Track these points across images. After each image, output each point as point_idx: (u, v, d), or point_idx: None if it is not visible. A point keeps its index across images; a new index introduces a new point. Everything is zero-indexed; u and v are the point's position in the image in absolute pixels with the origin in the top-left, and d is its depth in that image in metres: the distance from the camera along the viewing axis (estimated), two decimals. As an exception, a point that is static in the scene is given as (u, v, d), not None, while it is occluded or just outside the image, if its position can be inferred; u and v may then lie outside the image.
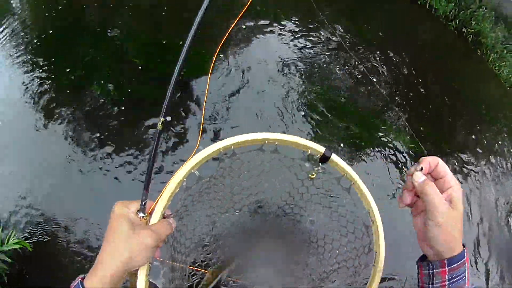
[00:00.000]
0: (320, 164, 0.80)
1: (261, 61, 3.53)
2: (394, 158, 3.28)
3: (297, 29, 3.97)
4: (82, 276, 0.57)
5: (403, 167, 3.25)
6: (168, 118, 2.83)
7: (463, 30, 5.30)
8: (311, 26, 4.06)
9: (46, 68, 3.41)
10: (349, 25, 4.25)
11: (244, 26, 3.74)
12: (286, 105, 3.26)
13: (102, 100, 3.07)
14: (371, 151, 3.24)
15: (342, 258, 0.93)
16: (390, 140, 3.39)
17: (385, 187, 3.04)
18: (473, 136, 4.03)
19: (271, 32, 3.84)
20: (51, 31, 3.84)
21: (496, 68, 5.45)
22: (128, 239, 0.57)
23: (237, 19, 3.63)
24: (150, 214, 0.64)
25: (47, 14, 4.17)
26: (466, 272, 0.57)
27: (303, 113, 3.24)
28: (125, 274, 0.58)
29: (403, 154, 3.34)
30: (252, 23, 3.82)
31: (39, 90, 3.21)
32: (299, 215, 0.97)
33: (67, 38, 3.73)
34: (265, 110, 3.18)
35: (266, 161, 0.83)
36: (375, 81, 3.79)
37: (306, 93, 3.43)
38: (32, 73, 3.38)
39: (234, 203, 0.92)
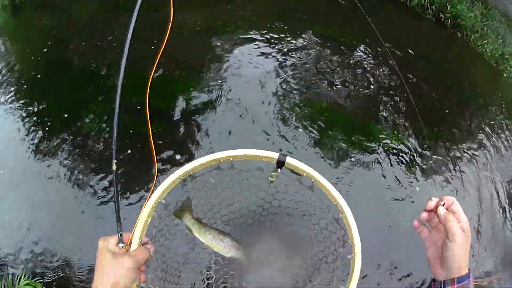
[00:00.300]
0: (279, 169, 0.84)
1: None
2: (402, 155, 3.35)
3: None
4: None
5: (413, 159, 3.35)
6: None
7: (440, 16, 5.39)
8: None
9: (37, 110, 3.54)
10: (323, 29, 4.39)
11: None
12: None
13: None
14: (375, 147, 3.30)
15: (323, 254, 0.96)
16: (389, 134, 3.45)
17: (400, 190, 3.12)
18: (468, 119, 4.07)
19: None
20: (39, 75, 4.05)
21: (479, 47, 5.50)
22: (112, 266, 0.71)
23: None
24: (130, 243, 0.76)
25: (33, 57, 4.42)
26: None
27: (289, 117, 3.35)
28: None
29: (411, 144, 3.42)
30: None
31: (32, 133, 3.34)
32: (274, 222, 1.03)
33: (55, 79, 3.89)
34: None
35: (227, 176, 0.89)
36: (361, 82, 3.88)
37: (294, 93, 3.53)
38: (24, 117, 3.48)
39: (208, 219, 0.98)
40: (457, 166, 3.46)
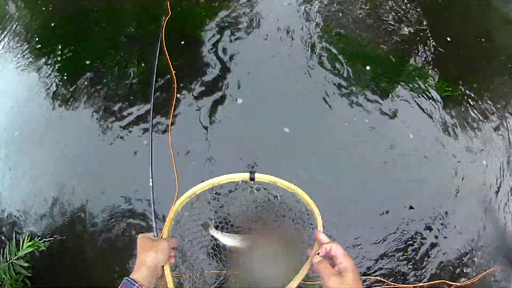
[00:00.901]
0: (252, 181, 1.18)
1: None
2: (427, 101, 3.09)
3: None
4: (126, 277, 0.93)
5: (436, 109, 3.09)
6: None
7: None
8: None
9: (58, 55, 3.39)
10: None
11: None
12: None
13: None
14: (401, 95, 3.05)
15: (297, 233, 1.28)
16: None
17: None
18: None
19: None
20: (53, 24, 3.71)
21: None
22: (152, 245, 1.02)
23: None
24: (162, 236, 1.14)
25: (44, 8, 3.99)
26: None
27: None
28: (156, 268, 1.01)
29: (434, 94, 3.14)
30: None
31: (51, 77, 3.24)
32: (266, 220, 1.36)
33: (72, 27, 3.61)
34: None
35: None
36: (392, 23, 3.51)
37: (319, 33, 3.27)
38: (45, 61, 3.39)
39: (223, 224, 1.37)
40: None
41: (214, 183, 1.14)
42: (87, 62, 3.23)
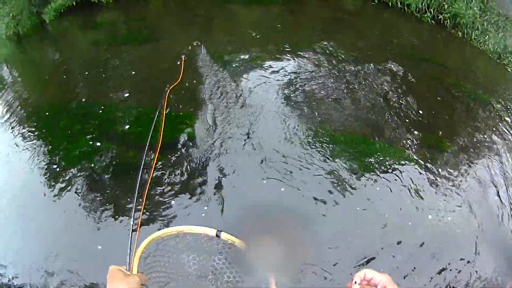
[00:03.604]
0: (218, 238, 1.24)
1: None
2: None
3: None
4: None
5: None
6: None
7: (439, 17, 5.41)
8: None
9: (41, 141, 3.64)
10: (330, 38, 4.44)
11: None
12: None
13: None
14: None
15: None
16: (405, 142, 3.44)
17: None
18: (475, 118, 4.00)
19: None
20: (44, 106, 4.11)
21: (481, 44, 5.48)
22: (124, 278, 0.99)
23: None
24: (132, 271, 1.10)
25: (38, 87, 4.53)
26: None
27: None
28: None
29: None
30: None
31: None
32: None
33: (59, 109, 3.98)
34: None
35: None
36: (365, 91, 3.89)
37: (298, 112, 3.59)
38: (29, 147, 3.59)
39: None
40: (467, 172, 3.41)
41: (180, 230, 1.23)
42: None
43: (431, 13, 5.37)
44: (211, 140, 3.31)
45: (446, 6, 5.43)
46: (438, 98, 4.07)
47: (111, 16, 5.82)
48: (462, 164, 3.43)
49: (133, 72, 4.28)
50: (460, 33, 5.44)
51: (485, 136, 3.81)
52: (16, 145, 3.70)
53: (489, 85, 4.76)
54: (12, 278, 2.59)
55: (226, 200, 2.78)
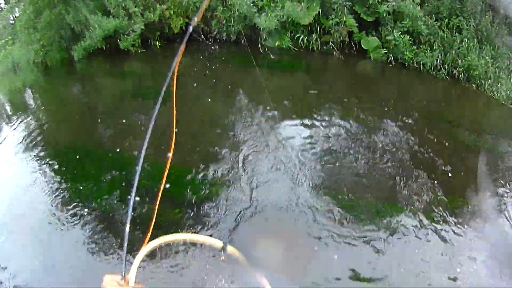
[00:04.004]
0: (223, 252, 1.15)
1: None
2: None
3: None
4: None
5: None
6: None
7: (454, 72, 5.85)
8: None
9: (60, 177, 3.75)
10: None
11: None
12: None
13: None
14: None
15: None
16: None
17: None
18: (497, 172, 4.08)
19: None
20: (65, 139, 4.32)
21: (494, 93, 5.85)
22: None
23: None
24: (128, 282, 0.99)
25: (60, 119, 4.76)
26: None
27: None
28: None
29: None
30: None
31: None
32: None
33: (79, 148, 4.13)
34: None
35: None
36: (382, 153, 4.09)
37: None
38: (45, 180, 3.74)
39: None
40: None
41: (187, 238, 1.20)
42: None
43: (445, 69, 5.82)
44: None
45: (460, 61, 5.88)
46: (456, 153, 4.22)
47: (138, 67, 6.09)
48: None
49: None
50: (473, 85, 5.86)
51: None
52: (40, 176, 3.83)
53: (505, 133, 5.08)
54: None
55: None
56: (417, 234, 3.15)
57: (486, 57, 6.17)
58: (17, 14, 9.33)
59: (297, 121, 4.45)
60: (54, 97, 5.88)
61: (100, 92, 5.67)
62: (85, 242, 3.02)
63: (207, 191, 3.50)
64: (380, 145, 4.17)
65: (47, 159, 4.11)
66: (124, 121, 4.59)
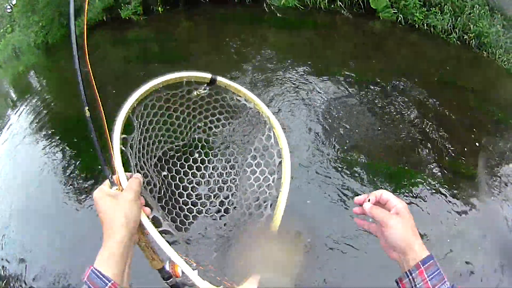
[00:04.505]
0: (208, 87, 0.92)
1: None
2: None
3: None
4: (92, 268, 0.62)
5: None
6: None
7: (464, 37, 5.48)
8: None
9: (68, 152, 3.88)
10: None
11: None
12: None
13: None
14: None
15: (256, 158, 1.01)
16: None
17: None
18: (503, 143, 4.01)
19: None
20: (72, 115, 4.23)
21: (505, 63, 5.57)
22: (115, 206, 0.69)
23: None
24: (120, 183, 0.75)
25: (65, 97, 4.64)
26: (440, 269, 0.68)
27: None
28: (131, 239, 0.69)
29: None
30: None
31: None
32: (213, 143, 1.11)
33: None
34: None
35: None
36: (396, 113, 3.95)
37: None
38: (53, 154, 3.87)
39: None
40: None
41: (165, 81, 0.88)
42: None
43: (456, 33, 5.43)
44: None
45: (471, 26, 5.49)
46: (464, 121, 4.09)
47: (142, 34, 5.92)
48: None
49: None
50: (485, 53, 5.52)
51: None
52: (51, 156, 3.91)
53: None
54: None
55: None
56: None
57: (497, 26, 5.84)
58: (14, 2, 9.60)
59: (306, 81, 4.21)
60: (58, 74, 5.85)
61: (105, 61, 5.51)
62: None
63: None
64: (393, 108, 4.01)
65: (56, 137, 4.16)
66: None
